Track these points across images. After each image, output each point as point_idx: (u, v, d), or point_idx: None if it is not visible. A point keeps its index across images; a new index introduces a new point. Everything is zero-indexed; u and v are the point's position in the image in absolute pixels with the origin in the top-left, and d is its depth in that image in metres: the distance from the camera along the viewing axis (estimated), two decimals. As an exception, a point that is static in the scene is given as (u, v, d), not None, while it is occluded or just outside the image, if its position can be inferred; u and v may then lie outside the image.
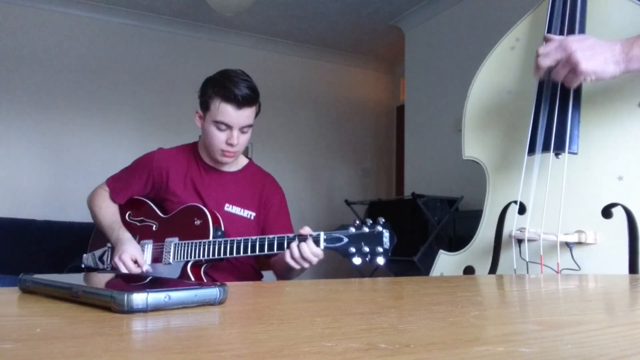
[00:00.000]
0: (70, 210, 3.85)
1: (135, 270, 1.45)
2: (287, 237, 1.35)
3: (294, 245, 1.33)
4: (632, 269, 0.98)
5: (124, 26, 4.49)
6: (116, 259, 1.46)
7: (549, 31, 1.13)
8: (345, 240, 1.29)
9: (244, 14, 4.18)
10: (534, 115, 1.10)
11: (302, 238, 1.33)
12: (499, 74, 1.27)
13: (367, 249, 1.27)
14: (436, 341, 0.29)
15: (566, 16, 1.12)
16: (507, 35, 1.27)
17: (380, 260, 1.27)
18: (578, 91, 1.07)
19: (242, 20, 4.62)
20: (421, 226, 3.52)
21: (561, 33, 1.10)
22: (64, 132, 4.24)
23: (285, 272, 1.51)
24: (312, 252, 1.32)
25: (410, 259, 3.26)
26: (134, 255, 1.46)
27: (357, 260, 1.27)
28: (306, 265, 1.35)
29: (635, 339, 0.32)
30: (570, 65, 0.98)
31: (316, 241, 1.30)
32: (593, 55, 0.96)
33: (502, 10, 3.33)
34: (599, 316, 0.44)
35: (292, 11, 4.47)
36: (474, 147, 1.29)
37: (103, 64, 4.38)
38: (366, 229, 1.29)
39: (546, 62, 1.02)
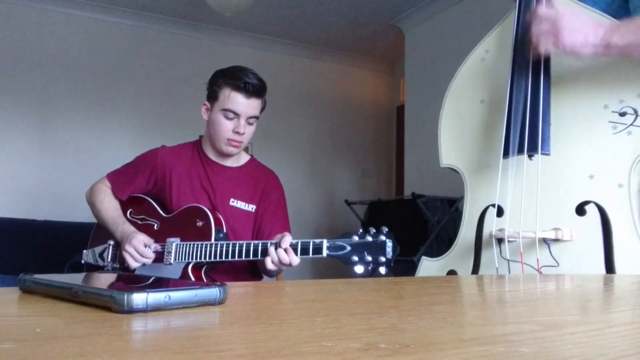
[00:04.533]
0: (71, 210, 3.84)
1: (147, 254, 1.46)
2: (290, 243, 1.35)
3: (272, 250, 1.36)
4: (608, 263, 1.02)
5: (124, 26, 4.49)
6: (126, 246, 1.46)
7: (515, 42, 1.17)
8: (348, 248, 1.29)
9: (244, 14, 4.18)
10: (507, 119, 1.15)
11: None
12: (471, 84, 1.32)
13: (369, 258, 1.28)
14: (436, 341, 0.29)
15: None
16: (477, 47, 1.33)
17: (383, 270, 1.27)
18: (548, 94, 1.12)
19: (242, 20, 4.62)
20: (421, 226, 3.52)
21: (528, 43, 1.13)
22: (64, 131, 4.24)
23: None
24: (286, 262, 1.34)
25: (410, 259, 3.26)
26: (143, 240, 1.47)
27: (359, 269, 1.28)
28: (283, 268, 1.39)
29: (634, 339, 0.32)
30: (553, 31, 1.02)
31: (319, 248, 1.31)
32: (577, 31, 1.00)
33: (502, 11, 3.33)
34: (599, 316, 0.44)
35: (292, 11, 4.47)
36: (450, 155, 1.34)
37: (103, 64, 4.39)
38: (369, 238, 1.29)
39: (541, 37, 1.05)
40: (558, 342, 0.30)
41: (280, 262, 1.34)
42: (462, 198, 3.72)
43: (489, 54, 1.30)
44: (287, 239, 1.35)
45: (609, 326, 0.37)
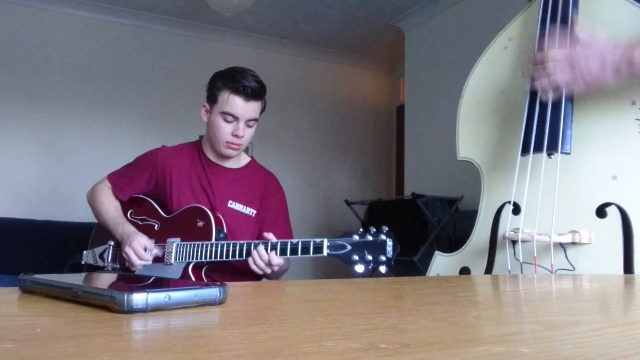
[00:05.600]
0: (70, 210, 3.85)
1: (145, 257, 1.46)
2: (291, 242, 1.35)
3: (254, 253, 1.36)
4: (627, 268, 0.98)
5: (124, 26, 4.49)
6: (126, 248, 1.46)
7: (541, 30, 1.12)
8: (349, 247, 1.29)
9: (244, 14, 4.18)
10: (527, 116, 1.10)
11: (273, 245, 1.36)
12: (492, 74, 1.26)
13: (370, 257, 1.27)
14: (436, 341, 0.29)
15: (558, 15, 1.10)
16: (500, 35, 1.26)
17: (383, 269, 1.27)
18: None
19: (242, 20, 4.62)
20: (421, 226, 3.52)
21: (552, 32, 1.09)
22: (64, 131, 4.24)
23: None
24: (265, 261, 1.35)
25: (410, 259, 3.26)
26: (143, 243, 1.47)
27: (359, 268, 1.28)
28: (268, 271, 1.39)
29: (635, 339, 0.32)
30: (571, 70, 1.00)
31: (319, 248, 1.31)
32: (593, 62, 0.97)
33: (502, 10, 3.33)
34: (599, 316, 0.44)
35: (292, 11, 4.47)
36: (468, 148, 1.29)
37: (103, 64, 4.39)
38: (370, 237, 1.29)
39: (557, 72, 1.02)
40: (558, 342, 0.30)
41: (261, 259, 1.35)
42: (462, 198, 3.70)
43: (512, 42, 1.23)
44: (270, 235, 1.39)
45: (609, 326, 0.37)
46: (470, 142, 1.28)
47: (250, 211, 1.60)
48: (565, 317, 0.42)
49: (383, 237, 1.29)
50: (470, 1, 3.88)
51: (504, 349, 0.27)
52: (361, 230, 1.32)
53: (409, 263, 3.27)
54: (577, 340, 0.30)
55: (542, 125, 1.07)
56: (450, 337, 0.30)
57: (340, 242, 1.30)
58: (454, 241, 3.36)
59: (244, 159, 1.69)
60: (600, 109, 1.07)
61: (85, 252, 1.70)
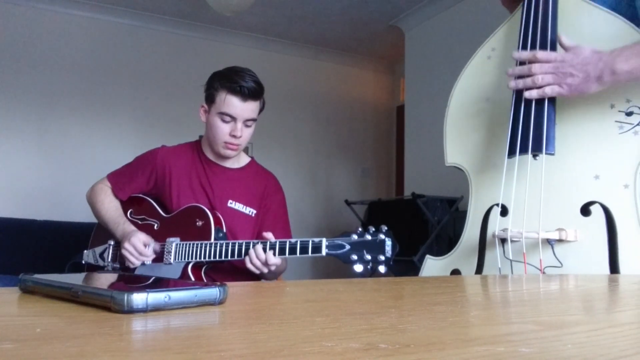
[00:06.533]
0: (70, 210, 3.85)
1: (145, 253, 1.46)
2: (290, 242, 1.35)
3: (251, 251, 1.36)
4: (612, 264, 1.01)
5: (124, 26, 4.49)
6: (126, 244, 1.47)
7: (524, 40, 1.16)
8: (347, 247, 1.29)
9: (244, 14, 4.18)
10: (512, 119, 1.14)
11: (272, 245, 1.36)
12: (477, 82, 1.31)
13: (368, 257, 1.28)
14: (436, 341, 0.29)
15: (538, 25, 1.15)
16: (484, 45, 1.31)
17: (382, 269, 1.27)
18: None
19: (242, 20, 4.62)
20: (421, 226, 3.52)
21: (533, 42, 1.13)
22: (64, 132, 4.24)
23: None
24: (262, 260, 1.35)
25: (410, 259, 3.26)
26: (142, 239, 1.47)
27: (358, 268, 1.28)
28: (264, 270, 1.38)
29: (635, 339, 0.32)
30: (554, 76, 1.04)
31: (318, 247, 1.31)
32: (579, 71, 1.01)
33: (502, 10, 3.32)
34: (599, 316, 0.44)
35: (291, 11, 4.47)
36: (455, 154, 1.33)
37: (103, 64, 4.39)
38: (368, 237, 1.29)
39: (546, 79, 1.05)
40: (558, 342, 0.30)
41: (257, 258, 1.35)
42: (462, 198, 3.72)
43: (495, 52, 1.29)
44: (270, 234, 1.39)
45: (609, 326, 0.37)
46: (457, 149, 1.32)
47: (250, 211, 1.60)
48: (564, 317, 0.42)
49: (382, 236, 1.29)
50: (470, 1, 3.88)
51: (504, 349, 0.27)
52: (360, 229, 1.32)
53: (409, 263, 3.27)
54: (576, 340, 0.30)
55: (527, 127, 1.11)
56: (450, 337, 0.30)
57: (338, 241, 1.30)
58: (454, 241, 3.35)
59: (244, 159, 1.69)
60: (581, 111, 1.11)
61: (85, 251, 1.70)
